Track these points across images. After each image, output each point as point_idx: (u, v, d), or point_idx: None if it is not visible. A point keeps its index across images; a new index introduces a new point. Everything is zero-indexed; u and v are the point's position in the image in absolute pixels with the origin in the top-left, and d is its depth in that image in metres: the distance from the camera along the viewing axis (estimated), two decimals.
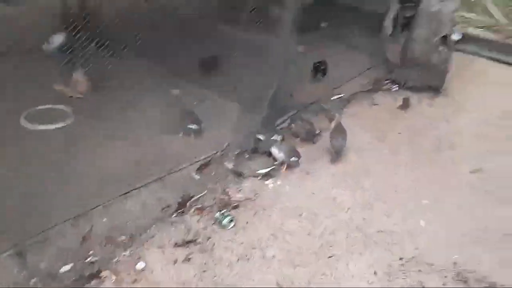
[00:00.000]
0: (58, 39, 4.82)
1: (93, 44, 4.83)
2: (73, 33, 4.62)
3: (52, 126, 3.83)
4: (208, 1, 6.54)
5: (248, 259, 2.85)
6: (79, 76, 4.41)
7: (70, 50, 4.65)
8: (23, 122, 3.84)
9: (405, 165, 4.06)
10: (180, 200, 3.27)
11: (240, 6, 5.52)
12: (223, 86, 4.69)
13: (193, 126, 3.97)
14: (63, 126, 3.87)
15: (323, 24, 7.29)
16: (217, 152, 3.82)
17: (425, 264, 2.98)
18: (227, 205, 3.29)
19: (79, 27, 4.63)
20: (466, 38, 7.80)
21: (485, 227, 3.37)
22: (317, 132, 4.42)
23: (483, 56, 7.25)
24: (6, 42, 4.77)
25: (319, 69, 5.40)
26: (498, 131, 4.83)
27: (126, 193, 3.20)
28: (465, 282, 2.86)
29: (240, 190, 3.48)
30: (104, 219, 2.99)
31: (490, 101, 5.59)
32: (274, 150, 3.79)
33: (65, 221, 2.84)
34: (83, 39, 4.62)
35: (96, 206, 3.01)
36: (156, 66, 5.01)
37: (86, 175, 3.33)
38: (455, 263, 3.00)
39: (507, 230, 3.34)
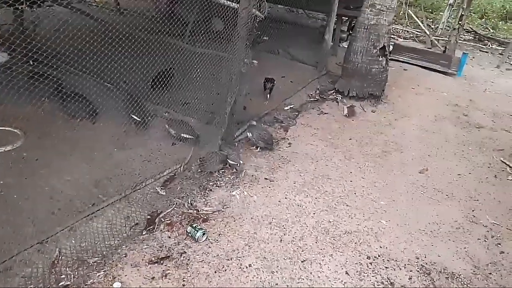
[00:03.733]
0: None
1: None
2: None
3: (1, 149, 3.58)
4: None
5: (226, 270, 2.84)
6: None
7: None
8: None
9: (359, 170, 4.28)
10: (148, 217, 3.19)
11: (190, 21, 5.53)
12: (177, 101, 4.69)
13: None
14: (13, 148, 3.63)
15: (265, 38, 7.53)
16: (180, 166, 3.79)
17: (391, 261, 3.15)
18: (196, 218, 3.27)
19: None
20: (397, 48, 8.46)
21: (438, 221, 3.65)
22: (274, 140, 4.54)
23: (413, 65, 7.91)
24: None
25: (268, 85, 5.54)
26: (435, 133, 5.28)
27: (91, 213, 3.06)
28: (429, 274, 3.07)
29: (207, 203, 3.47)
30: (72, 241, 2.84)
31: (424, 106, 6.09)
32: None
33: (30, 247, 2.66)
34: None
35: (62, 229, 2.85)
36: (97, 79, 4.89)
37: (45, 198, 3.14)
38: (417, 258, 3.22)
39: (456, 223, 3.65)
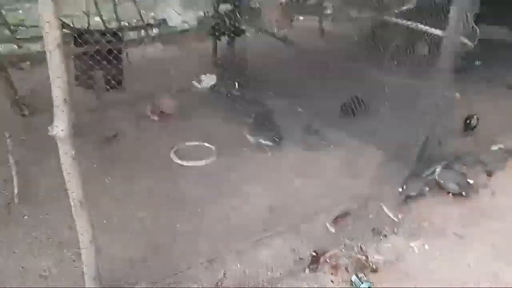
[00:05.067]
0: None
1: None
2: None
3: (196, 163, 4.00)
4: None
5: None
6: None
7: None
8: (173, 157, 4.09)
9: None
10: (314, 254, 3.06)
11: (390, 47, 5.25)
12: (366, 132, 4.46)
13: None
14: (207, 164, 4.02)
15: (477, 63, 6.59)
16: (356, 204, 3.55)
17: None
18: (365, 267, 2.98)
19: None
20: None
21: None
22: (471, 183, 3.86)
23: None
24: None
25: (470, 124, 4.79)
26: None
27: (260, 239, 3.12)
28: None
29: (379, 251, 3.14)
30: (238, 265, 2.93)
31: None
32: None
33: (200, 264, 2.85)
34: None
35: (231, 251, 2.97)
36: (295, 105, 5.04)
37: (224, 216, 3.35)
38: None
39: None
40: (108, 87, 4.22)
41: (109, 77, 4.09)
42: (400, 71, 5.27)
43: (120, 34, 3.64)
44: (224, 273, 2.84)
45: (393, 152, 4.09)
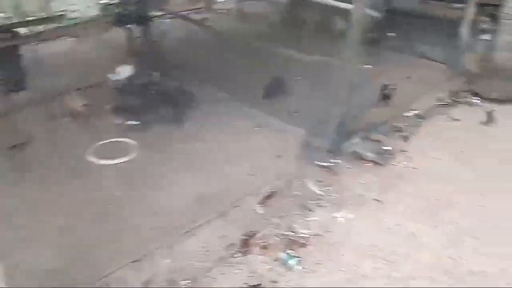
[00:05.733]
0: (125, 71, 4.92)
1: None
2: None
3: (116, 161, 3.84)
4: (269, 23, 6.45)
5: None
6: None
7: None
8: (89, 157, 3.89)
9: (496, 193, 3.56)
10: (244, 237, 3.08)
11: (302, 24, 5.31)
12: (286, 111, 4.51)
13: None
14: (127, 160, 3.87)
15: (390, 34, 6.87)
16: (281, 182, 3.60)
17: None
18: (293, 242, 3.04)
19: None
20: None
21: None
22: (387, 150, 4.06)
23: None
24: None
25: (386, 94, 5.00)
26: None
27: (188, 231, 3.08)
28: None
29: (307, 225, 3.22)
30: (167, 260, 2.87)
31: None
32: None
33: (126, 264, 2.76)
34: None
35: (158, 247, 2.90)
36: (219, 91, 4.97)
37: (149, 213, 3.26)
38: None
39: None
40: (9, 89, 3.88)
41: (7, 78, 3.76)
42: (317, 48, 5.41)
43: (15, 30, 3.35)
44: (154, 270, 2.77)
45: (314, 128, 4.19)
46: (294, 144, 4.06)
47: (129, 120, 4.40)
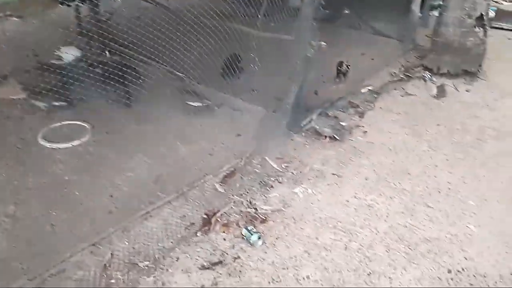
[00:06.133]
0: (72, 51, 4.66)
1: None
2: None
3: (69, 144, 3.68)
4: None
5: (280, 281, 2.60)
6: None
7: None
8: (41, 141, 3.71)
9: (447, 163, 3.72)
10: (204, 216, 3.05)
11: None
12: (244, 89, 4.47)
13: None
14: (81, 143, 3.72)
15: (345, 12, 6.92)
16: (241, 160, 3.59)
17: (478, 276, 2.66)
18: (254, 219, 3.05)
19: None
20: (500, 14, 7.27)
21: None
22: (344, 125, 4.13)
23: None
24: None
25: (342, 69, 5.06)
26: None
27: (147, 212, 3.01)
28: None
29: (267, 201, 3.24)
30: (126, 243, 2.81)
31: None
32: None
33: (83, 249, 2.67)
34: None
35: (116, 230, 2.83)
36: (174, 70, 4.83)
37: (105, 196, 3.16)
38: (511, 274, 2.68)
39: None
40: None
41: None
42: (273, 25, 5.36)
43: None
44: (112, 254, 2.70)
45: (272, 106, 4.19)
46: (253, 122, 4.06)
47: (76, 101, 4.21)
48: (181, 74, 4.83)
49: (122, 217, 2.96)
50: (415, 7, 5.99)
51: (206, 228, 2.99)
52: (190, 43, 4.52)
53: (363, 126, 4.26)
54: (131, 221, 2.93)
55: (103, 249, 2.73)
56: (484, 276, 2.67)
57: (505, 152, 3.85)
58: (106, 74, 4.26)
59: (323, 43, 3.86)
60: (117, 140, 3.79)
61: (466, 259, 2.79)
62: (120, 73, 4.24)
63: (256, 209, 3.16)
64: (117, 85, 4.30)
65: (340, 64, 5.10)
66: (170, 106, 4.30)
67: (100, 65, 4.51)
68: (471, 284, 2.63)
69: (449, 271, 2.70)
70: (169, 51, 4.38)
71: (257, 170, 3.54)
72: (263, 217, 3.08)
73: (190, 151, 3.71)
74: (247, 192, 3.31)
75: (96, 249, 2.72)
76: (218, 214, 3.09)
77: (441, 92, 4.96)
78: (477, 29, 5.00)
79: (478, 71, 5.23)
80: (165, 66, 4.68)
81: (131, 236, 2.85)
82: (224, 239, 2.90)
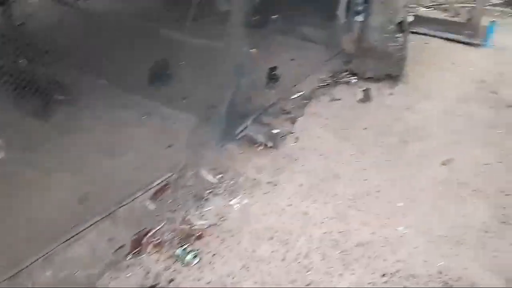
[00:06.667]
0: None
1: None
2: None
3: None
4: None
5: None
6: None
7: None
8: None
9: (374, 165, 3.85)
10: (134, 237, 2.88)
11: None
12: (174, 97, 4.32)
13: None
14: None
15: (274, 17, 6.98)
16: (173, 174, 3.45)
17: (409, 278, 2.77)
18: (189, 236, 2.95)
19: None
20: (417, 20, 7.74)
21: (463, 225, 3.22)
22: (276, 132, 4.14)
23: (435, 37, 7.23)
24: None
25: (272, 75, 5.08)
26: (460, 116, 4.74)
27: (71, 237, 2.78)
28: None
29: (202, 216, 3.14)
30: (48, 273, 2.56)
31: (448, 84, 5.52)
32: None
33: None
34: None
35: (36, 259, 2.58)
36: (97, 79, 4.56)
37: (23, 222, 2.87)
38: (440, 272, 2.82)
39: (484, 226, 3.21)
40: None
41: None
42: (202, 31, 5.25)
43: None
44: (33, 285, 2.46)
45: (204, 114, 4.08)
46: (184, 131, 3.92)
47: None
48: (105, 81, 4.58)
49: (43, 244, 2.70)
50: (340, 12, 6.18)
51: (137, 250, 2.83)
52: (114, 48, 4.31)
53: (294, 132, 4.30)
54: (53, 248, 2.69)
55: (22, 281, 2.47)
56: (415, 277, 2.78)
57: (426, 152, 4.06)
58: (21, 83, 3.92)
59: (254, 49, 3.83)
60: (35, 157, 3.47)
61: (398, 261, 2.89)
62: (37, 81, 3.92)
63: (190, 225, 3.05)
64: (34, 95, 3.96)
65: (271, 70, 5.11)
66: (94, 116, 4.04)
67: (13, 74, 4.13)
68: (404, 286, 2.73)
69: (383, 275, 2.78)
70: (92, 57, 4.13)
71: (190, 183, 3.42)
72: (199, 233, 2.98)
73: (117, 166, 3.49)
74: (181, 208, 3.19)
75: (15, 281, 2.46)
76: (150, 234, 2.94)
77: (367, 96, 5.15)
78: (398, 34, 5.25)
79: (400, 74, 5.49)
80: (89, 73, 4.41)
81: (54, 265, 2.61)
82: (157, 261, 2.77)
